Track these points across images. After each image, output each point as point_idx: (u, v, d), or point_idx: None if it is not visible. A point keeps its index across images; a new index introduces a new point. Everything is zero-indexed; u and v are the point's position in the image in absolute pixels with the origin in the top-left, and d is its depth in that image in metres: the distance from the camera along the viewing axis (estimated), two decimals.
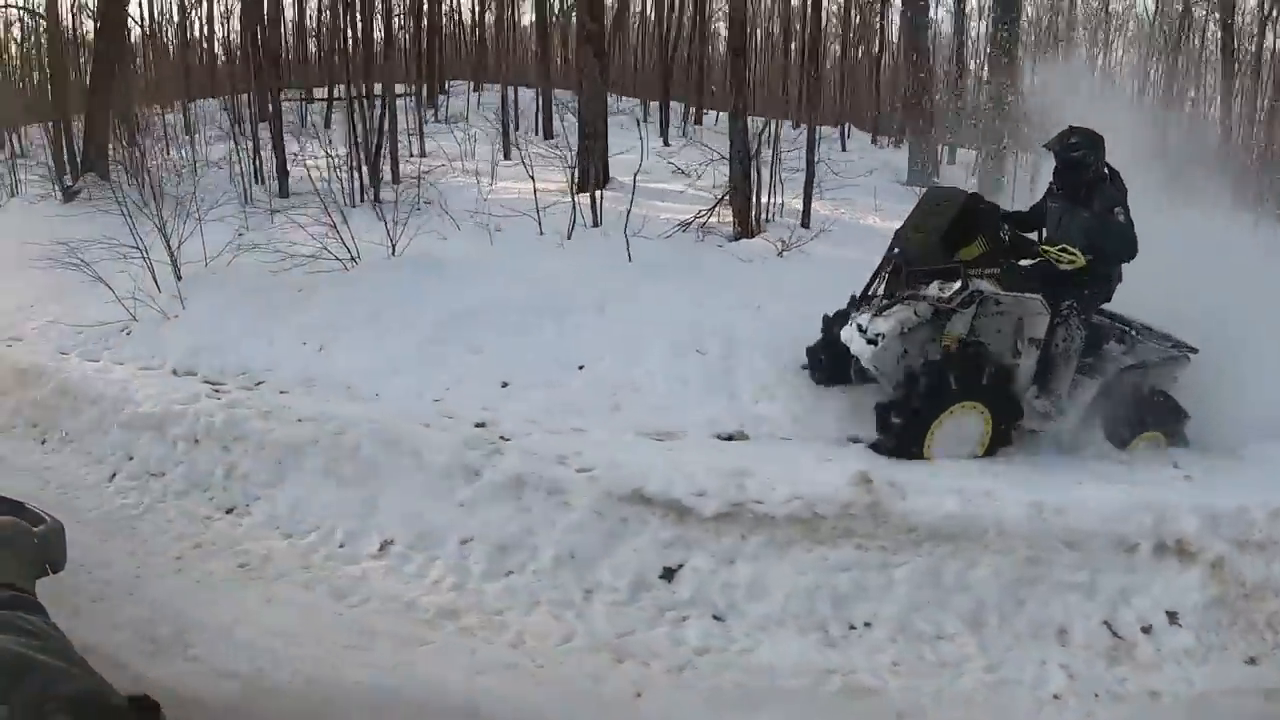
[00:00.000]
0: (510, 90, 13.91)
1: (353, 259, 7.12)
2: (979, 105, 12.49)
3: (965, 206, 4.73)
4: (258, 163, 9.76)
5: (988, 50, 12.45)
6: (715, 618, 3.99)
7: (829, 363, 5.46)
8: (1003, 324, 4.80)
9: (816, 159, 9.55)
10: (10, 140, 11.53)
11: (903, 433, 4.63)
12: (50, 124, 10.91)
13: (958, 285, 4.59)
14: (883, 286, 5.19)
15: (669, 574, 4.15)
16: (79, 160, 10.01)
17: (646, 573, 4.19)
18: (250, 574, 4.54)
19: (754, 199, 9.03)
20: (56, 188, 10.04)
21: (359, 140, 9.25)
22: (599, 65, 9.92)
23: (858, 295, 5.38)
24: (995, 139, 11.33)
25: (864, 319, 4.98)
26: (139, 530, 4.94)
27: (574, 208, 8.49)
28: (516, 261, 7.56)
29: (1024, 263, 4.96)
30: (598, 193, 8.78)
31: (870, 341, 4.83)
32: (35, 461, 5.81)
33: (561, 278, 7.24)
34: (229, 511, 5.06)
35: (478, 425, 5.42)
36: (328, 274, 7.03)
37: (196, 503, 5.14)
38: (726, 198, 8.93)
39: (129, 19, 12.36)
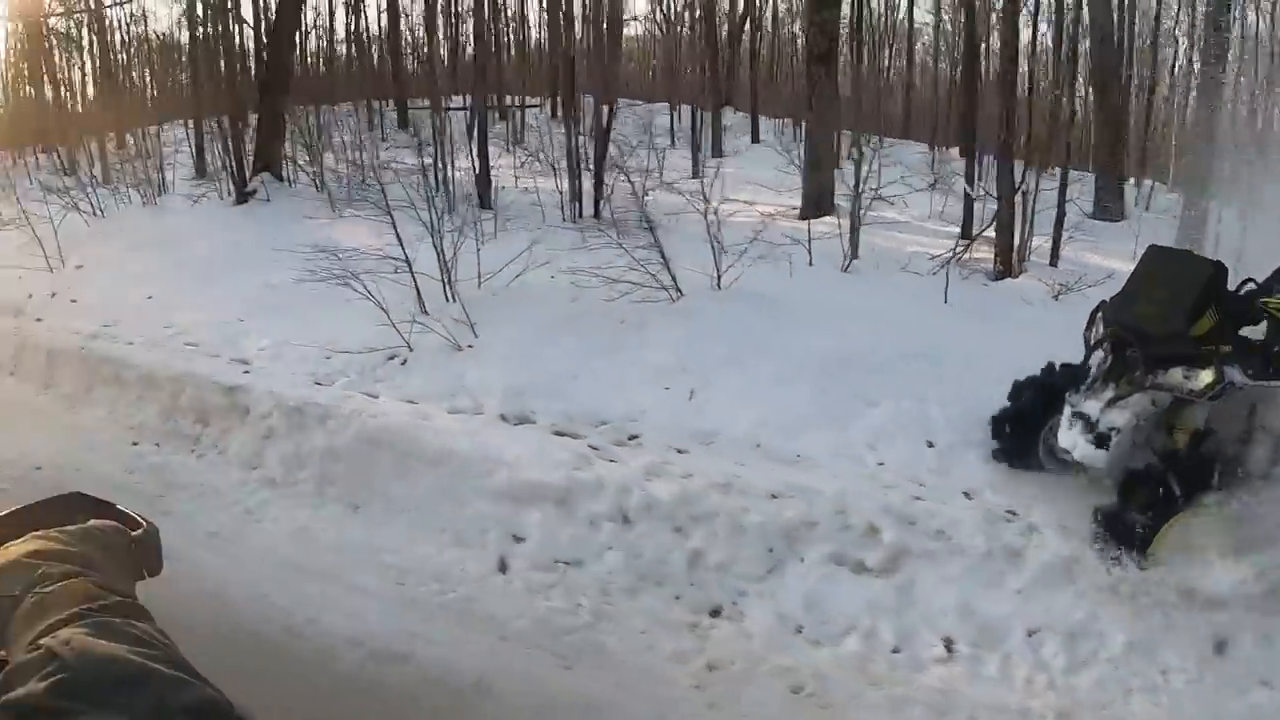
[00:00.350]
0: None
1: (677, 289, 5.85)
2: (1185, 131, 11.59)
3: (1212, 278, 4.01)
4: (442, 172, 8.41)
5: (1197, 66, 11.39)
6: (1262, 683, 3.64)
7: (1013, 438, 4.52)
8: (1237, 408, 4.10)
9: (1068, 198, 8.81)
10: (135, 139, 10.13)
11: (1126, 548, 3.91)
12: (193, 122, 9.58)
13: (1210, 376, 3.86)
14: (1103, 364, 4.31)
15: (1220, 648, 3.74)
16: (245, 161, 8.64)
17: (1203, 648, 3.75)
18: (816, 702, 3.39)
19: (1019, 239, 8.31)
20: (223, 188, 8.61)
21: (572, 151, 8.09)
22: (830, 86, 8.92)
23: (1058, 366, 4.57)
24: (1203, 174, 10.48)
25: (1090, 407, 4.12)
26: (610, 649, 3.60)
27: (854, 240, 7.56)
28: (830, 297, 6.50)
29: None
30: (856, 221, 7.84)
31: (1101, 437, 4.03)
32: (359, 538, 4.37)
33: (899, 320, 6.17)
34: (715, 614, 3.79)
35: (965, 495, 4.37)
36: (653, 305, 5.74)
37: (660, 603, 3.85)
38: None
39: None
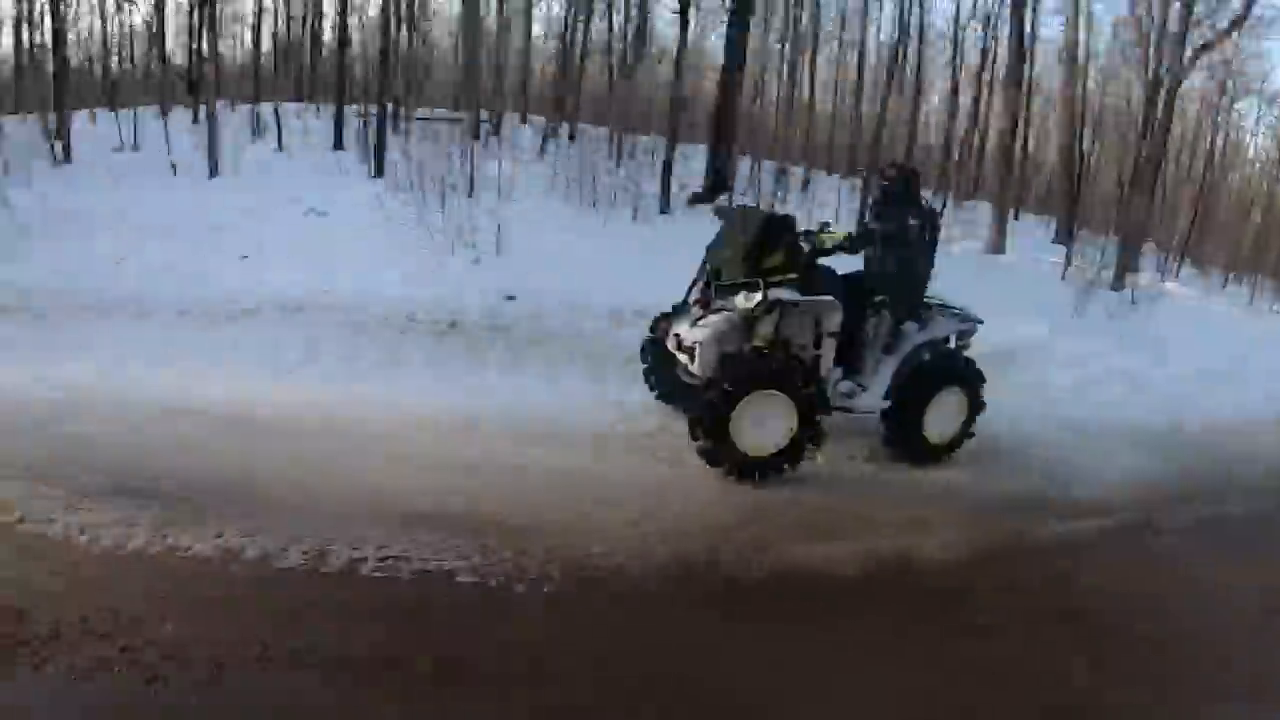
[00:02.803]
0: None
1: None
2: None
3: (765, 224, 5.13)
4: None
5: None
6: None
7: (655, 366, 5.93)
8: (804, 322, 5.25)
9: None
10: None
11: (710, 426, 4.86)
12: None
13: (759, 296, 5.02)
14: (695, 297, 5.58)
15: None
16: None
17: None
18: None
19: None
20: None
21: None
22: None
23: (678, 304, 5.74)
24: None
25: (683, 329, 5.40)
26: None
27: None
28: None
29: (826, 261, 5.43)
30: None
31: (689, 350, 5.24)
32: None
33: None
34: None
35: None
36: None
37: None
38: None
39: None
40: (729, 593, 3.77)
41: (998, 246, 15.18)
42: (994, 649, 3.67)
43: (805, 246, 5.29)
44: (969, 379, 5.83)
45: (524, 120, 18.68)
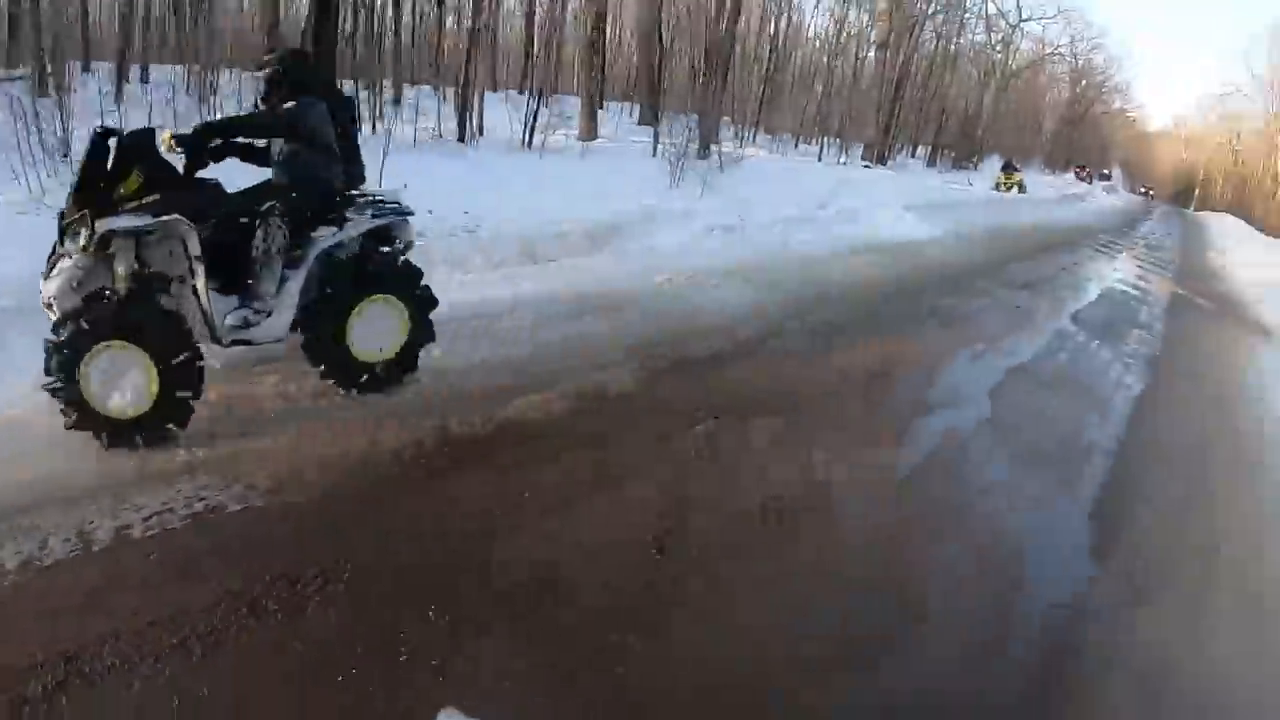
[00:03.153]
0: None
1: None
2: None
3: (94, 145, 4.27)
4: None
5: None
6: None
7: None
8: (171, 248, 4.45)
9: None
10: None
11: (63, 394, 4.04)
12: None
13: (85, 236, 4.20)
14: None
15: None
16: None
17: None
18: None
19: None
20: None
21: None
22: None
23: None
24: None
25: (43, 284, 4.41)
26: None
27: None
28: None
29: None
30: None
31: (49, 306, 4.31)
32: None
33: None
34: None
35: None
36: None
37: None
38: None
39: None
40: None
41: (589, 133, 16.10)
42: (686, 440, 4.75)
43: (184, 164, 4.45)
44: (398, 280, 4.95)
45: (86, 69, 16.15)
